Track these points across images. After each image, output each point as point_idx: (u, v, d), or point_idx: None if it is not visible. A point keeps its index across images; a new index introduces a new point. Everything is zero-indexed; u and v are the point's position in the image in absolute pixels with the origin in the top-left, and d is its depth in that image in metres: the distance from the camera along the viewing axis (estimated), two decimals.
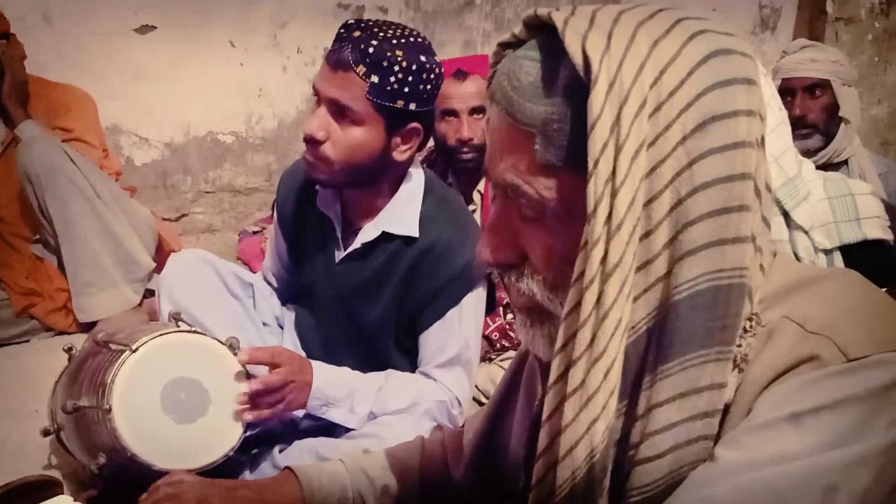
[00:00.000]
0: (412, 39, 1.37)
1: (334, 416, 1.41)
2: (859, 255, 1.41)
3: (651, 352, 0.64)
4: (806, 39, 2.51)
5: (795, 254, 1.45)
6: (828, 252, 1.40)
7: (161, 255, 2.34)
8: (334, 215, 1.53)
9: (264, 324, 1.66)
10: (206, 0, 2.77)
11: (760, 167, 0.63)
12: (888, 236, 1.41)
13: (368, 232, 1.48)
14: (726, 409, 0.63)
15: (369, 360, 1.54)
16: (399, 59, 1.33)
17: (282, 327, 1.68)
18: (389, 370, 1.52)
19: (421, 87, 1.36)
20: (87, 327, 2.13)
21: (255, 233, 2.95)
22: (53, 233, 2.10)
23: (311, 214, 1.57)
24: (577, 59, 0.59)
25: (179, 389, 1.28)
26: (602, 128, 0.58)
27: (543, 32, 0.63)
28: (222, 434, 1.29)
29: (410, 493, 1.05)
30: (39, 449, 1.57)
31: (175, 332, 1.31)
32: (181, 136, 2.91)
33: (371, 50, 1.32)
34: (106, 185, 2.14)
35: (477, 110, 2.14)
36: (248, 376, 1.34)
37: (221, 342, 1.33)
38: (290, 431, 1.46)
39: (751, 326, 0.64)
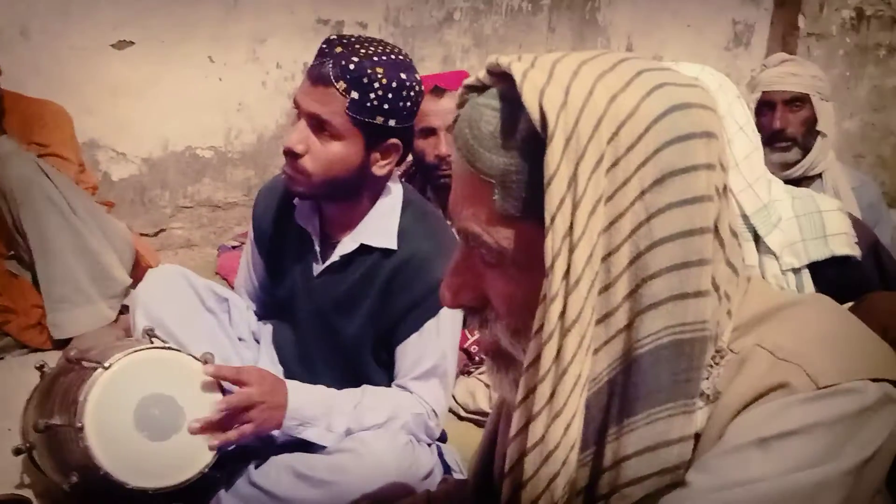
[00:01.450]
0: (393, 56, 1.38)
1: (310, 435, 1.41)
2: (827, 272, 1.42)
3: (615, 404, 0.64)
4: (786, 54, 2.55)
5: (764, 278, 1.46)
6: (796, 271, 1.42)
7: (138, 270, 2.31)
8: (312, 229, 1.53)
9: (240, 339, 1.65)
10: (185, 15, 2.77)
11: (723, 216, 0.64)
12: (855, 252, 1.42)
13: (346, 245, 1.49)
14: (697, 436, 0.64)
15: (347, 373, 1.53)
16: (379, 76, 1.34)
17: (258, 342, 1.67)
18: (366, 385, 1.52)
19: (401, 104, 1.38)
20: (63, 344, 2.10)
21: (234, 248, 2.93)
22: (28, 249, 2.07)
23: (289, 229, 1.57)
24: (535, 114, 0.59)
25: (153, 406, 1.26)
26: (559, 183, 0.58)
27: (505, 80, 0.63)
28: (197, 451, 1.28)
29: None
30: (11, 467, 1.54)
31: (149, 348, 1.30)
32: (159, 150, 2.89)
33: (352, 66, 1.33)
34: (82, 200, 2.12)
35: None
36: (223, 392, 1.33)
37: (196, 358, 1.32)
38: (266, 447, 1.45)
39: (716, 362, 0.65)
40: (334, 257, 1.50)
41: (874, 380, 0.61)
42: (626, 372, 0.63)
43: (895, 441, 0.63)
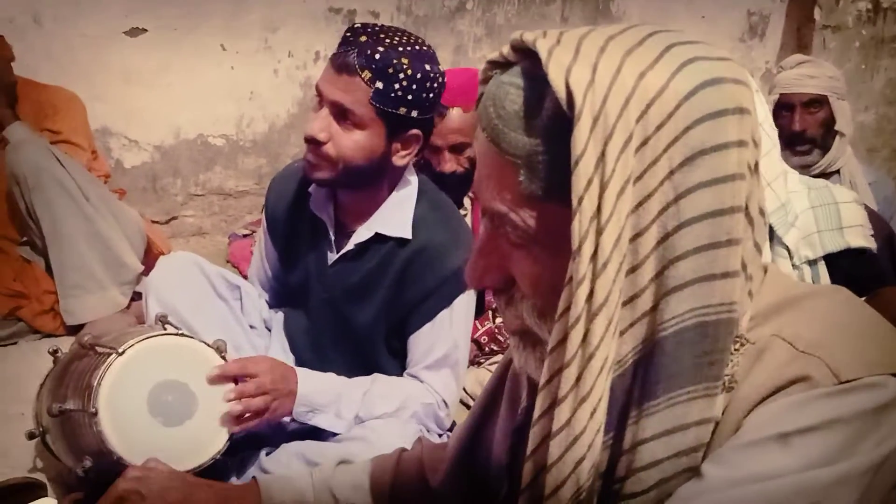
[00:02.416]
0: (417, 47, 1.38)
1: (321, 421, 1.41)
2: (842, 263, 1.41)
3: (637, 386, 0.63)
4: (802, 55, 2.53)
5: None
6: (812, 263, 1.41)
7: (150, 257, 2.32)
8: (327, 217, 1.53)
9: (251, 326, 1.65)
10: (197, 4, 2.76)
11: (753, 194, 0.62)
12: (871, 244, 1.42)
13: (361, 233, 1.49)
14: (714, 425, 0.63)
15: (359, 362, 1.54)
16: (405, 66, 1.34)
17: (269, 330, 1.68)
18: (376, 374, 1.52)
19: (424, 95, 1.38)
20: (75, 330, 2.12)
21: (245, 236, 2.94)
22: (41, 235, 2.08)
23: (304, 218, 1.57)
24: (561, 93, 0.58)
25: (166, 392, 1.27)
26: (586, 164, 0.57)
27: (530, 57, 0.61)
28: (209, 437, 1.29)
29: None
30: (24, 451, 1.56)
31: (162, 334, 1.31)
32: (171, 138, 2.90)
33: (377, 56, 1.33)
34: (94, 187, 2.13)
35: (457, 147, 2.02)
36: (236, 379, 1.33)
37: (209, 345, 1.33)
38: (277, 434, 1.46)
39: (735, 349, 0.64)
40: (349, 246, 1.50)
41: (895, 374, 0.60)
42: (649, 355, 0.62)
43: None
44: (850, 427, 0.58)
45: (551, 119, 0.59)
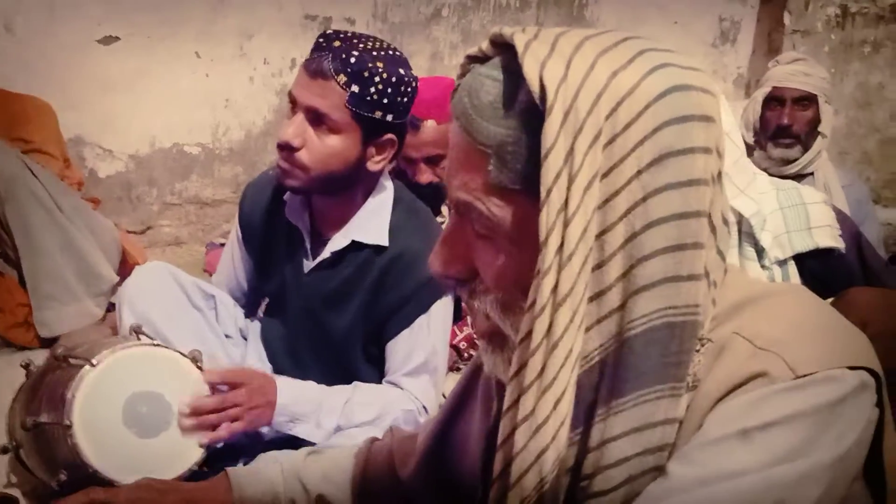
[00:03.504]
0: (391, 52, 1.40)
1: (300, 431, 1.41)
2: (811, 263, 1.44)
3: (605, 384, 0.64)
4: (797, 53, 2.59)
5: None
6: (782, 263, 1.43)
7: (125, 268, 2.29)
8: (303, 225, 1.53)
9: (227, 336, 1.64)
10: (171, 11, 2.75)
11: (716, 203, 0.64)
12: (839, 244, 1.44)
13: (338, 241, 1.49)
14: (678, 424, 0.64)
15: (337, 370, 1.53)
16: (380, 70, 1.35)
17: (245, 339, 1.67)
18: (356, 382, 1.52)
19: (399, 98, 1.39)
20: (50, 342, 2.09)
21: (222, 245, 2.90)
22: (13, 246, 2.05)
23: (279, 226, 1.57)
24: (535, 86, 0.59)
25: (141, 403, 1.26)
26: (556, 157, 0.58)
27: (508, 52, 0.63)
28: (186, 448, 1.28)
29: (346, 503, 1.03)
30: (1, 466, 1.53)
31: (136, 345, 1.30)
32: (146, 147, 2.87)
33: (353, 60, 1.34)
34: (67, 196, 2.11)
35: (432, 159, 2.03)
36: (212, 388, 1.33)
37: (184, 355, 1.32)
38: (254, 444, 1.45)
39: (697, 349, 0.65)
40: (325, 254, 1.50)
41: (851, 368, 0.61)
42: (617, 352, 0.63)
43: (871, 428, 0.64)
44: (809, 421, 0.59)
45: (524, 111, 0.61)
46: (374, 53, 1.36)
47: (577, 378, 0.63)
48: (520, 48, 0.61)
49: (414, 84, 1.42)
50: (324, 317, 1.53)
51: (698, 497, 0.59)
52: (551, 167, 0.58)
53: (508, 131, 0.61)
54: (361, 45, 1.36)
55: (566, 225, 0.59)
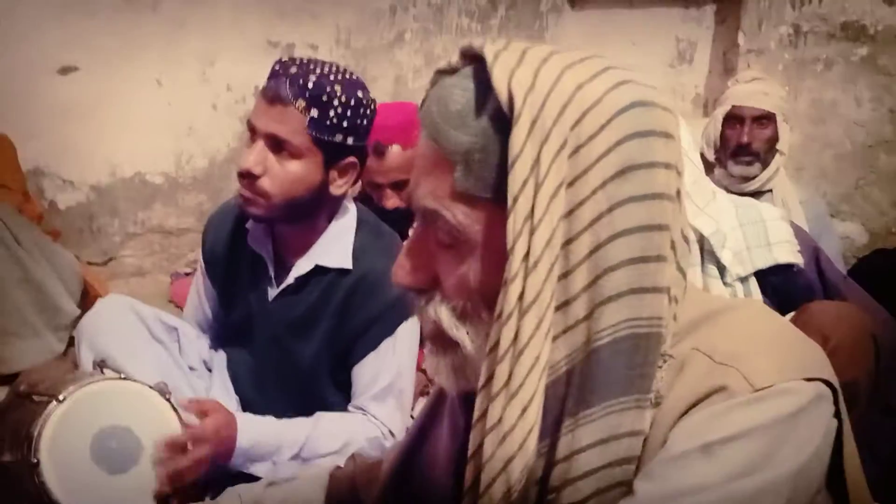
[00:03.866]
0: (348, 76, 1.41)
1: (258, 470, 1.39)
2: (772, 279, 1.46)
3: (572, 395, 0.64)
4: (757, 72, 2.65)
5: None
6: (743, 280, 1.45)
7: (87, 301, 2.25)
8: (266, 253, 1.52)
9: (191, 368, 1.62)
10: (131, 37, 2.72)
11: (677, 219, 0.65)
12: (798, 260, 1.47)
13: (301, 266, 1.48)
14: (643, 441, 0.65)
15: (304, 398, 1.52)
16: (338, 93, 1.35)
17: (210, 370, 1.65)
18: (319, 413, 1.50)
19: (359, 121, 1.39)
20: (9, 379, 2.03)
21: (187, 274, 2.88)
22: None
23: (242, 255, 1.55)
24: (503, 94, 0.60)
25: (110, 438, 1.23)
26: (523, 165, 0.59)
27: (477, 63, 0.64)
28: (156, 483, 1.25)
29: None
30: None
31: (103, 379, 1.27)
32: (107, 177, 2.83)
33: (311, 85, 1.34)
34: (26, 230, 2.07)
35: (398, 184, 2.02)
36: (181, 419, 1.30)
37: (151, 387, 1.29)
38: (222, 478, 1.42)
39: (660, 366, 0.66)
40: (289, 280, 1.49)
41: (807, 379, 0.62)
42: (584, 363, 0.63)
43: (830, 439, 0.65)
44: (768, 434, 0.60)
45: (491, 119, 0.62)
46: (332, 77, 1.37)
47: (545, 387, 0.63)
48: (489, 57, 0.62)
49: (373, 106, 1.43)
50: (290, 344, 1.52)
51: None
52: (518, 175, 0.59)
53: (475, 139, 0.62)
54: (318, 70, 1.37)
55: (532, 232, 0.60)
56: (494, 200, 0.62)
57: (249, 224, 1.52)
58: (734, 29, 3.25)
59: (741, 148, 2.38)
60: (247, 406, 1.52)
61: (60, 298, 2.10)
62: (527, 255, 0.60)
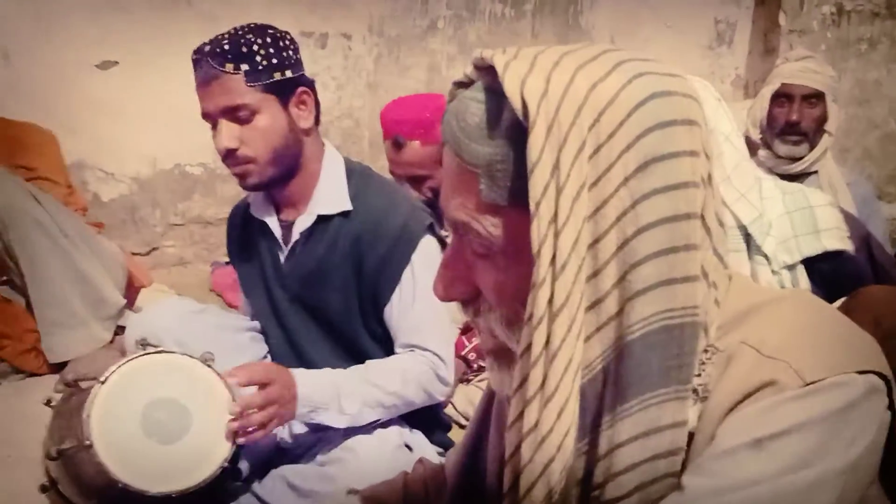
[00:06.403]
0: (252, 24, 1.46)
1: (324, 419, 1.41)
2: (820, 266, 1.43)
3: (609, 391, 0.64)
4: (806, 50, 2.60)
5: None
6: (790, 267, 1.42)
7: (131, 290, 2.31)
8: (269, 216, 1.57)
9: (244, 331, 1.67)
10: (167, 33, 2.76)
11: (709, 204, 0.64)
12: (847, 246, 1.43)
13: (304, 221, 1.52)
14: (691, 436, 0.64)
15: (346, 357, 1.53)
16: (253, 39, 1.41)
17: (264, 332, 1.69)
18: (368, 361, 1.52)
19: (285, 53, 1.44)
20: (58, 368, 2.09)
21: (227, 263, 2.92)
22: (20, 273, 2.05)
23: (253, 230, 1.61)
24: (516, 103, 0.60)
25: (158, 411, 1.26)
26: (542, 170, 0.59)
27: (490, 74, 0.64)
28: (211, 447, 1.27)
29: None
30: (14, 497, 1.53)
31: (142, 355, 1.29)
32: (148, 169, 2.88)
33: (227, 46, 1.40)
34: (72, 222, 2.11)
35: (417, 179, 2.05)
36: (227, 386, 1.32)
37: (192, 357, 1.31)
38: (274, 458, 1.46)
39: (707, 358, 0.65)
40: (295, 236, 1.53)
41: (860, 372, 0.61)
42: (618, 359, 0.63)
43: (884, 432, 0.63)
44: (820, 428, 0.59)
45: (509, 129, 0.62)
46: (240, 32, 1.42)
47: (581, 387, 0.63)
48: (500, 68, 0.62)
49: (289, 36, 1.48)
50: (314, 300, 1.54)
51: None
52: (538, 180, 0.59)
53: (496, 150, 0.62)
54: (227, 35, 1.42)
55: (557, 236, 0.60)
56: (520, 207, 0.62)
57: (251, 197, 1.59)
58: (775, 9, 3.19)
59: (789, 127, 2.33)
60: None
61: (106, 289, 2.13)
62: (553, 258, 0.60)
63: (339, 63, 3.07)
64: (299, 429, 1.49)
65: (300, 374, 1.41)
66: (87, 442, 1.19)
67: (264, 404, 1.31)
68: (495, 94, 0.63)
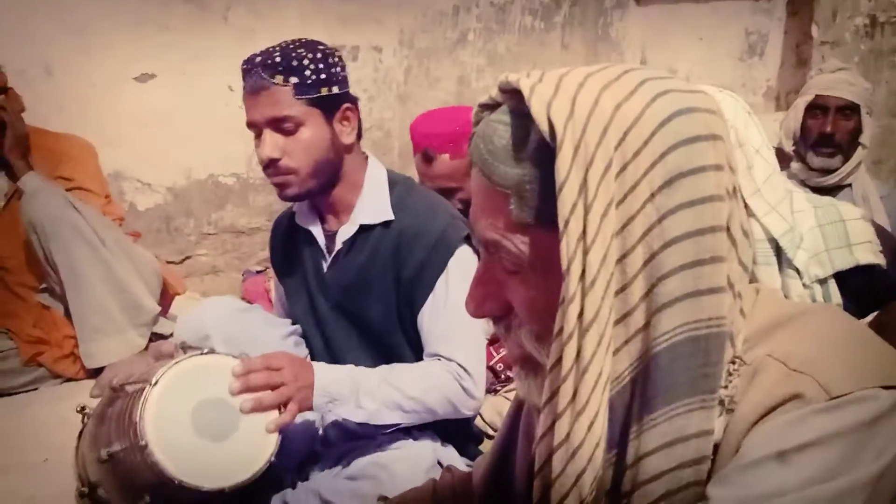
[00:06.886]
0: (303, 39, 1.49)
1: (341, 412, 1.43)
2: (853, 280, 1.41)
3: (636, 402, 0.65)
4: (840, 62, 2.58)
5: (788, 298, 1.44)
6: (822, 281, 1.41)
7: (165, 298, 2.35)
8: (314, 226, 1.59)
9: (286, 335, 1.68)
10: (203, 47, 2.82)
11: (735, 216, 0.65)
12: (880, 260, 1.41)
13: (346, 230, 1.55)
14: (716, 448, 0.65)
15: (383, 364, 1.53)
16: (303, 54, 1.44)
17: (304, 337, 1.70)
18: (393, 364, 1.52)
19: (334, 70, 1.48)
20: (95, 373, 2.14)
21: (258, 272, 2.97)
22: (59, 281, 2.11)
23: (297, 239, 1.64)
24: (543, 125, 0.62)
25: (208, 410, 1.29)
26: (570, 190, 0.61)
27: (515, 97, 0.66)
28: (259, 442, 1.29)
29: None
30: (52, 500, 1.56)
31: (187, 357, 1.33)
32: (183, 179, 2.94)
33: (279, 59, 1.43)
34: (110, 231, 2.16)
35: (447, 191, 2.03)
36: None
37: (234, 356, 1.34)
38: (306, 467, 1.47)
39: (734, 370, 0.66)
40: (338, 245, 1.55)
41: (885, 387, 0.61)
42: (645, 370, 0.64)
43: None
44: (846, 441, 0.59)
45: (536, 150, 0.63)
46: (290, 46, 1.45)
47: (610, 399, 0.64)
48: (526, 92, 0.64)
49: (337, 53, 1.51)
50: (354, 308, 1.56)
51: None
52: (566, 199, 0.61)
53: (524, 171, 0.64)
54: (276, 48, 1.45)
55: (586, 252, 0.61)
56: (549, 226, 0.63)
57: (295, 206, 1.61)
58: (807, 20, 3.16)
59: (823, 138, 2.31)
60: None
61: (142, 297, 2.18)
62: (583, 274, 0.61)
63: (370, 75, 3.11)
64: (333, 435, 1.51)
65: (319, 366, 1.44)
66: (143, 443, 1.22)
67: (270, 380, 1.32)
68: (521, 117, 0.65)
